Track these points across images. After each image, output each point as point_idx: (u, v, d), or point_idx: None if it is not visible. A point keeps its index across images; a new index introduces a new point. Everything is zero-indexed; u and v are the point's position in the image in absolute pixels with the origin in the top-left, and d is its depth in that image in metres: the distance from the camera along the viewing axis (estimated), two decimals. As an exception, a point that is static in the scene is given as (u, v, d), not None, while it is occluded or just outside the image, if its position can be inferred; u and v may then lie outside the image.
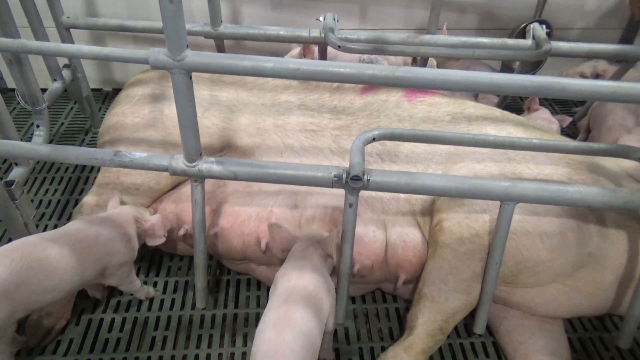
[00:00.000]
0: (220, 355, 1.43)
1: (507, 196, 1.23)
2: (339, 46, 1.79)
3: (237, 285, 1.66)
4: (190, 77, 1.13)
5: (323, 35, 1.85)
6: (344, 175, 1.20)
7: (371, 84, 1.09)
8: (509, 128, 1.58)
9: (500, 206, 1.26)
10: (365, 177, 1.20)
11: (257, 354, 1.02)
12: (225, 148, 1.66)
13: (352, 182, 1.20)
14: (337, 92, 1.73)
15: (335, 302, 1.38)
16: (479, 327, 1.41)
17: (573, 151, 1.37)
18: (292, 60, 1.07)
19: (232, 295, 1.62)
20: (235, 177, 1.26)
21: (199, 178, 1.29)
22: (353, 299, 1.64)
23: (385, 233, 1.48)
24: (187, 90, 1.14)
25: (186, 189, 1.61)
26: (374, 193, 1.52)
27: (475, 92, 2.29)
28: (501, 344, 1.50)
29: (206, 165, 1.27)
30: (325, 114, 1.68)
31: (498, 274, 1.34)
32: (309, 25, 1.97)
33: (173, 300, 1.59)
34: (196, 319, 1.54)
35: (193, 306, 1.57)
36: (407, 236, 1.47)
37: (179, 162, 1.27)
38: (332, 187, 1.24)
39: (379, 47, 1.84)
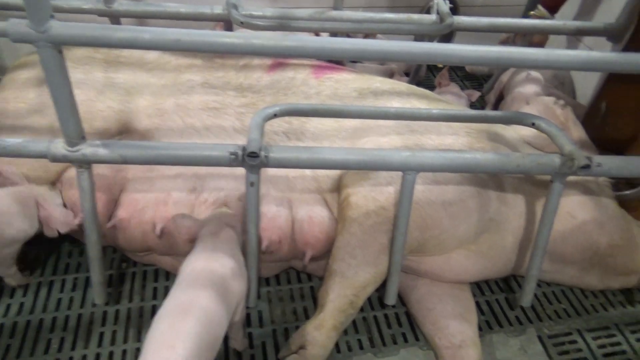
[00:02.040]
0: (124, 351, 1.35)
1: (407, 166, 1.24)
2: (242, 22, 1.72)
3: (144, 277, 1.57)
4: (61, 52, 1.03)
5: (226, 12, 1.78)
6: (240, 153, 1.15)
7: (260, 55, 1.04)
8: (414, 101, 1.60)
9: (402, 177, 1.27)
10: (263, 153, 1.16)
11: (148, 347, 0.96)
12: (124, 132, 1.56)
13: (250, 159, 1.15)
14: (243, 70, 1.67)
15: (245, 286, 1.35)
16: (390, 298, 1.43)
17: (471, 120, 1.41)
18: (171, 30, 1.00)
19: (138, 288, 1.54)
20: (124, 161, 1.18)
21: (84, 164, 1.20)
22: (267, 281, 1.61)
23: (290, 210, 1.46)
24: (58, 66, 1.03)
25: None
26: (278, 172, 1.49)
27: (365, 60, 2.31)
28: (412, 313, 1.53)
29: (91, 149, 1.17)
30: (230, 92, 1.62)
31: (405, 244, 1.36)
32: (212, 2, 1.88)
33: (72, 299, 1.48)
34: (98, 316, 1.44)
35: (95, 303, 1.47)
36: (313, 212, 1.45)
37: (59, 146, 1.16)
38: (230, 165, 1.19)
39: (284, 24, 1.79)
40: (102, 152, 1.17)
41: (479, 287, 1.67)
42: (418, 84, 2.57)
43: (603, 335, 1.56)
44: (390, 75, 2.50)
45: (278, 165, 1.21)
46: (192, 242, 1.29)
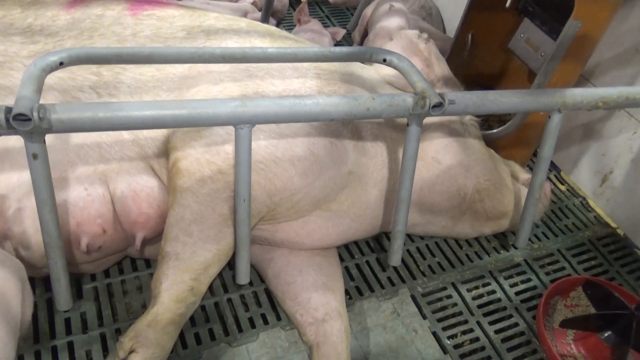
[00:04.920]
0: None
1: (238, 118, 1.14)
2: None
3: None
4: None
5: None
6: (3, 116, 0.96)
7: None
8: (255, 40, 1.49)
9: (235, 131, 1.17)
10: (37, 114, 0.98)
11: None
12: None
13: (18, 123, 0.97)
14: (32, 7, 1.44)
15: (52, 287, 1.20)
16: (242, 277, 1.35)
17: (314, 59, 1.34)
18: None
19: None
20: None
21: None
22: (93, 276, 1.45)
23: (106, 186, 1.31)
24: None
25: None
26: (87, 139, 1.32)
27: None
28: (271, 290, 1.48)
29: None
30: (14, 38, 1.38)
31: (251, 212, 1.28)
32: None
33: None
34: None
35: None
36: (137, 184, 1.32)
37: None
38: (-3, 134, 1.00)
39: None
40: None
41: (348, 250, 1.66)
42: (277, 24, 2.48)
43: (478, 286, 1.63)
44: (244, 15, 2.36)
45: (66, 128, 1.04)
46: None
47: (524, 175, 1.76)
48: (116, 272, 1.48)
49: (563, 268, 1.74)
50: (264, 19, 2.17)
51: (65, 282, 1.22)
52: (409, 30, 1.82)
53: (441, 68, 1.68)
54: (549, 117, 1.43)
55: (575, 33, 1.53)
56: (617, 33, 1.76)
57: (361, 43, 2.29)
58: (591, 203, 1.99)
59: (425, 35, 1.76)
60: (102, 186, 1.31)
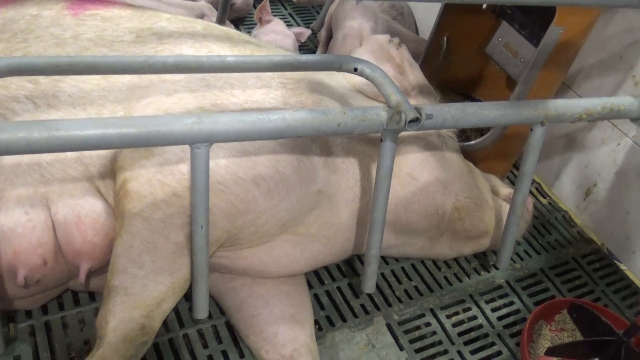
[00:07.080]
0: None
1: (193, 137, 1.10)
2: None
3: None
4: None
5: None
6: None
7: None
8: (212, 45, 1.46)
9: (191, 151, 1.13)
10: (-42, 137, 0.93)
11: None
12: None
13: None
14: (-44, 10, 1.38)
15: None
16: (199, 311, 1.30)
17: (279, 68, 1.31)
18: None
19: None
20: None
21: None
22: (28, 313, 1.39)
23: (47, 211, 1.25)
24: None
25: None
26: (25, 158, 1.26)
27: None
28: (233, 323, 1.45)
29: None
30: None
31: (210, 239, 1.24)
32: None
33: None
34: None
35: None
36: (81, 208, 1.27)
37: None
38: None
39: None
40: None
41: (317, 275, 1.64)
42: (236, 23, 2.45)
43: (458, 311, 1.64)
44: (200, 16, 2.33)
45: (-6, 151, 0.99)
46: None
47: (505, 190, 1.78)
48: (55, 307, 1.42)
49: (547, 289, 1.76)
50: (220, 19, 2.13)
51: (-4, 325, 1.17)
52: (380, 35, 1.82)
53: (415, 75, 1.68)
54: (531, 130, 1.45)
55: (557, 40, 1.56)
56: (600, 39, 1.80)
57: (327, 44, 2.28)
58: (574, 218, 2.03)
59: (397, 40, 1.76)
60: (43, 210, 1.26)
